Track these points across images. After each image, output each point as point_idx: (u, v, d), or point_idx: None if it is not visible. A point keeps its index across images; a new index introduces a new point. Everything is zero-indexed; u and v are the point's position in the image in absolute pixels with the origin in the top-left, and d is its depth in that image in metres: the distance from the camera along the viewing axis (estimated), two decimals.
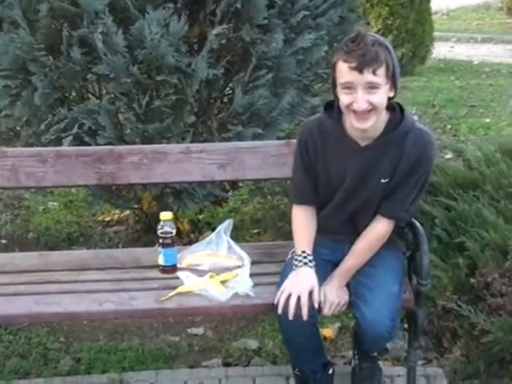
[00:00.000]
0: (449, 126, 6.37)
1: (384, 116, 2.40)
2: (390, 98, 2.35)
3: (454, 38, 13.09)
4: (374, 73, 2.24)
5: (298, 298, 2.39)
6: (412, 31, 9.45)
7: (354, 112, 2.31)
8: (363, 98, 2.27)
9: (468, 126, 6.53)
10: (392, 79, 2.31)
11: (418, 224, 2.62)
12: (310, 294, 2.42)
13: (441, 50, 10.92)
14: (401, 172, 2.42)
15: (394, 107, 2.44)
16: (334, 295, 2.47)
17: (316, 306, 2.42)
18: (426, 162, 2.42)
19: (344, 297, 2.49)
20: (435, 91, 8.08)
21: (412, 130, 2.41)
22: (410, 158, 2.40)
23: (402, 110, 2.45)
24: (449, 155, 3.84)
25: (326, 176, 2.53)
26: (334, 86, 2.37)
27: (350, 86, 2.28)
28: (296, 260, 2.53)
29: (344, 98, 2.32)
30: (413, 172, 2.42)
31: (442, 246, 3.06)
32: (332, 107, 2.48)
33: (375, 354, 2.70)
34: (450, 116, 6.87)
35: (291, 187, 2.71)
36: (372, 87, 2.26)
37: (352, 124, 2.36)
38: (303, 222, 2.61)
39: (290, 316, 2.38)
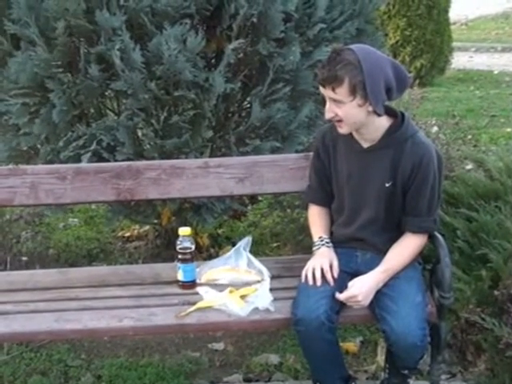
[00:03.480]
0: (469, 137, 6.27)
1: (385, 122, 2.50)
2: (375, 112, 2.40)
3: (473, 48, 13.00)
4: (333, 90, 2.37)
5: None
6: (430, 42, 9.39)
7: None
8: (329, 108, 2.44)
9: (489, 136, 6.48)
10: (363, 97, 2.36)
11: (439, 236, 2.61)
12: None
13: (460, 61, 10.84)
14: (401, 179, 2.50)
15: (396, 114, 2.52)
16: (361, 290, 2.46)
17: (334, 275, 2.52)
18: (425, 172, 2.47)
19: (366, 300, 2.46)
20: (455, 101, 8.03)
21: (411, 139, 2.50)
22: (407, 166, 2.48)
23: (403, 118, 2.52)
24: (469, 166, 3.79)
25: (336, 177, 2.64)
26: None
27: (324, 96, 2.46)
28: (314, 246, 2.67)
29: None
30: (417, 181, 2.48)
31: (464, 258, 3.02)
32: None
33: (406, 371, 2.66)
34: (471, 126, 6.78)
35: (306, 187, 2.82)
36: (336, 101, 2.40)
37: None
38: (317, 215, 2.76)
39: (316, 282, 2.51)
